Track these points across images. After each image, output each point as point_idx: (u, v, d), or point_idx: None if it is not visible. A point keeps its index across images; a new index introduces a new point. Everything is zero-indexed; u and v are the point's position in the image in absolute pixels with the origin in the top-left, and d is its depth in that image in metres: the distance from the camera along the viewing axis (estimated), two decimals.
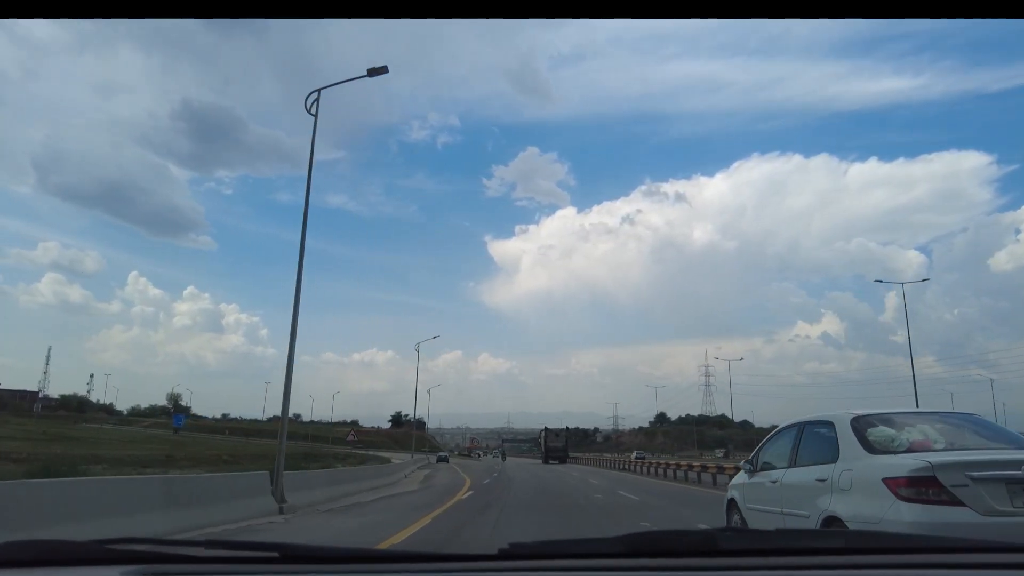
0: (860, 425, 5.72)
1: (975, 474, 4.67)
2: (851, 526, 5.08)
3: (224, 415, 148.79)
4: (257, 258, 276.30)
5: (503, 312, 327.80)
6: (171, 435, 73.04)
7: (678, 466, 29.72)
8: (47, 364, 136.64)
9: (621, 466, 45.91)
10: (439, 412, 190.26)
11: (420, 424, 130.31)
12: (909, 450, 5.27)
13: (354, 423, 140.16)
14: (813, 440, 6.40)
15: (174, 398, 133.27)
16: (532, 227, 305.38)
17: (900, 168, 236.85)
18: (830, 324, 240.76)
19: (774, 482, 6.75)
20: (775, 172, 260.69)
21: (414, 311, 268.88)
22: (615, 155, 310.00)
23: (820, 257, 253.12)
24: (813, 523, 5.60)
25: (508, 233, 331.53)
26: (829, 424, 6.10)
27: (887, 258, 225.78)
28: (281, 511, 12.35)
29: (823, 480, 5.70)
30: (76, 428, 67.10)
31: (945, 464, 4.77)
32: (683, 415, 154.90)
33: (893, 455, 5.25)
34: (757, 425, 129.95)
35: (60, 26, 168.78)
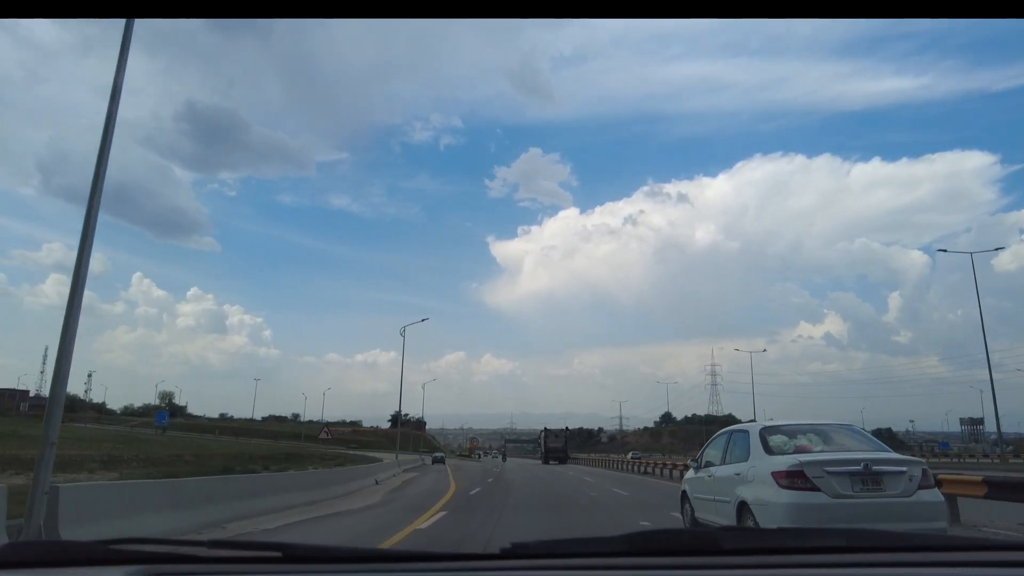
0: (765, 433, 7.66)
1: (829, 469, 6.67)
2: (753, 508, 7.03)
3: (222, 415, 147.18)
4: (260, 259, 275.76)
5: (506, 313, 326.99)
6: (151, 434, 71.04)
7: (674, 466, 30.70)
8: (44, 364, 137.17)
9: (617, 466, 47.39)
10: (441, 413, 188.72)
11: (420, 424, 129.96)
12: (795, 452, 7.22)
13: (354, 423, 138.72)
14: (736, 444, 8.16)
15: (167, 396, 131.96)
16: (535, 228, 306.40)
17: (903, 168, 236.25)
18: (833, 324, 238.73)
19: (710, 476, 8.56)
20: (778, 172, 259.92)
21: (417, 312, 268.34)
22: (617, 156, 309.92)
23: (823, 257, 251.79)
24: (732, 507, 7.51)
25: (511, 234, 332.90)
26: (746, 433, 8.00)
27: (890, 258, 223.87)
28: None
29: (739, 474, 7.59)
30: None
31: (809, 462, 6.76)
32: (688, 415, 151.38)
33: (782, 456, 7.15)
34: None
35: (64, 29, 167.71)
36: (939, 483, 8.44)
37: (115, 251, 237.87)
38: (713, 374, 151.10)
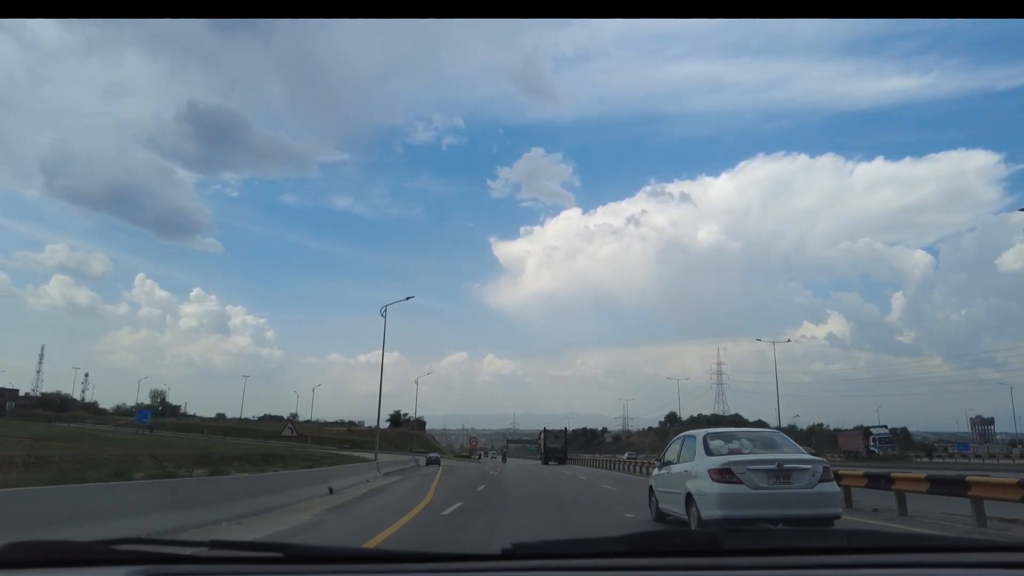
0: (708, 439, 9.52)
1: (750, 467, 8.44)
2: (696, 498, 8.76)
3: (220, 415, 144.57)
4: (263, 260, 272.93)
5: (508, 313, 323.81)
6: (132, 433, 68.96)
7: None
8: (40, 363, 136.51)
9: (614, 466, 49.26)
10: (443, 413, 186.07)
11: (420, 424, 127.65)
12: (728, 454, 9.00)
13: (351, 423, 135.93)
14: (686, 447, 10.08)
15: (159, 395, 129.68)
16: (537, 228, 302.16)
17: (907, 167, 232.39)
18: (836, 324, 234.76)
19: (669, 473, 10.48)
20: (780, 172, 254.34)
21: (419, 312, 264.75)
22: (620, 156, 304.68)
23: (826, 257, 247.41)
24: (682, 497, 9.30)
25: (513, 234, 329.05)
26: (695, 437, 9.86)
27: (893, 258, 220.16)
28: None
29: (687, 471, 9.34)
30: (29, 426, 62.25)
31: (735, 462, 8.52)
32: (694, 415, 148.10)
33: (717, 456, 8.89)
34: (772, 425, 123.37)
35: (67, 30, 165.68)
36: (838, 477, 11.45)
37: (118, 252, 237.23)
38: (719, 373, 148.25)
